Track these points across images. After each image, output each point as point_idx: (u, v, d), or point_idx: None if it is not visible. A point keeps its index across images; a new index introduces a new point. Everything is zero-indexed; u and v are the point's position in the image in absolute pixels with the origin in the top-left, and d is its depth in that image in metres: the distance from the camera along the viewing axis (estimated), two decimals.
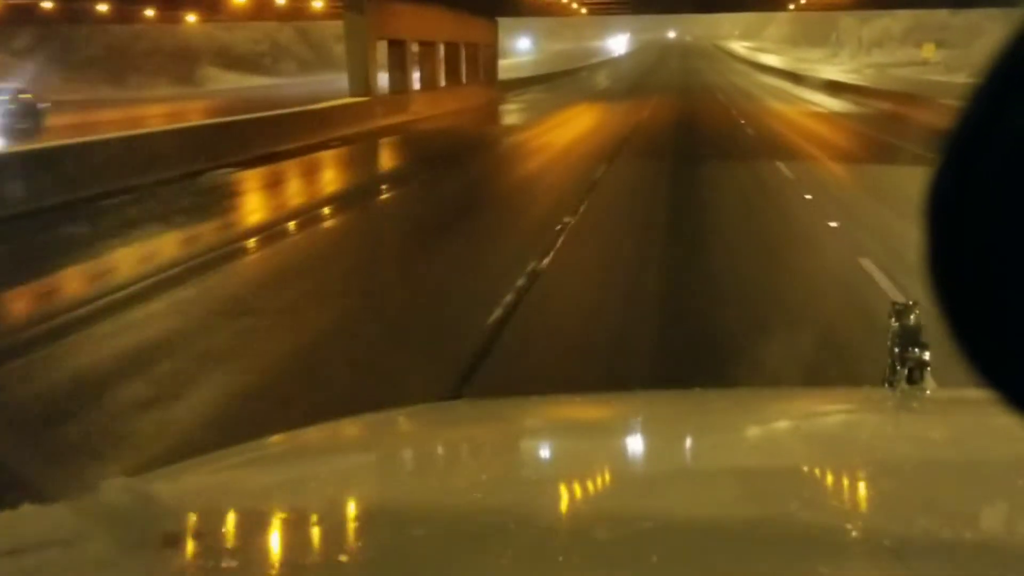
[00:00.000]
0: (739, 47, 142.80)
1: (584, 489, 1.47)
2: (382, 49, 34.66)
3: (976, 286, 0.53)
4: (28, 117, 28.45)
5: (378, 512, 1.36)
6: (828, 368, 6.64)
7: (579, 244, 11.97)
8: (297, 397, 6.46)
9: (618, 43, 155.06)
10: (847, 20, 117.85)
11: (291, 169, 21.22)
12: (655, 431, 1.97)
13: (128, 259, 11.74)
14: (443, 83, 42.25)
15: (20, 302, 9.93)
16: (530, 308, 8.77)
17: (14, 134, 25.99)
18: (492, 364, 7.16)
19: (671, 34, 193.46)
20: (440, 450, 1.85)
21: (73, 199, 15.16)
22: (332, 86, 38.81)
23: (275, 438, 1.89)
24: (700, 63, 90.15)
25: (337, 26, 41.79)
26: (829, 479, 1.50)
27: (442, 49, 41.69)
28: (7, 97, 28.70)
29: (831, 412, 2.09)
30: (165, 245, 12.62)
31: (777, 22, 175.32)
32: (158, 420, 6.21)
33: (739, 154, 21.63)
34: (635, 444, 1.93)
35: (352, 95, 31.46)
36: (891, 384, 2.02)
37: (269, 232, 13.35)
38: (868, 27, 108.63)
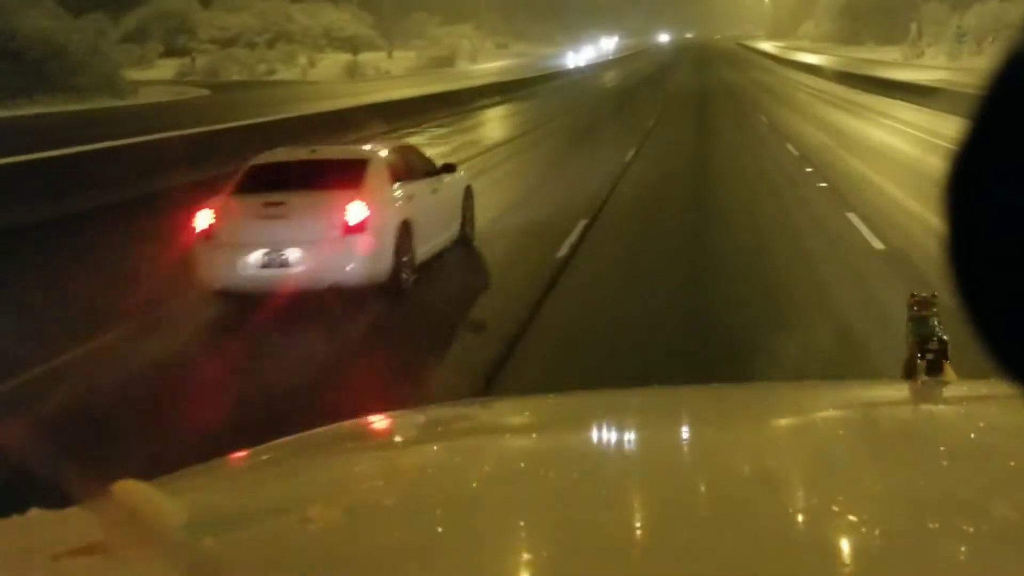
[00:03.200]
0: (770, 48, 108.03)
1: (598, 486, 1.42)
2: None
3: (996, 278, 0.52)
4: None
5: (387, 514, 1.36)
6: None
7: None
8: None
9: (603, 46, 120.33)
10: (931, 6, 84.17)
11: None
12: (670, 428, 1.90)
13: None
14: None
15: None
16: None
17: None
18: None
19: (664, 37, 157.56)
20: (451, 450, 1.78)
21: None
22: None
23: (286, 440, 1.88)
24: (729, 73, 56.12)
25: None
26: (849, 472, 1.45)
27: None
28: None
29: (851, 405, 2.01)
30: None
31: (816, 17, 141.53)
32: None
33: None
34: (650, 441, 1.83)
35: None
36: (911, 376, 2.06)
37: None
38: (968, 14, 74.88)
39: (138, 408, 5.88)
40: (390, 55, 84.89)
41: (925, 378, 2.02)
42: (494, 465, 1.63)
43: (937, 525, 1.22)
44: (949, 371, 2.01)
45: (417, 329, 7.62)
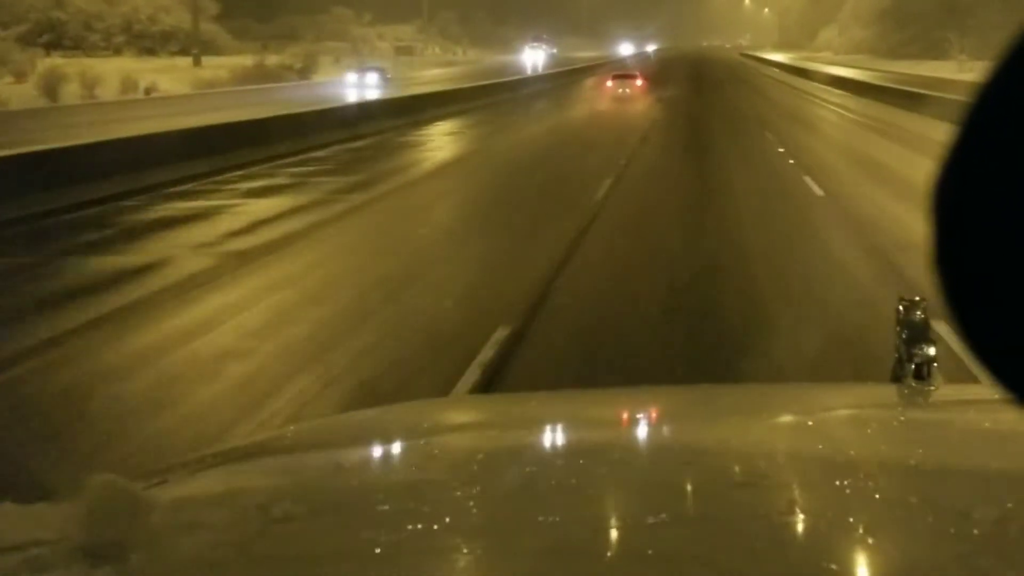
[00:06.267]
0: (786, 60, 77.55)
1: (587, 485, 1.44)
2: None
3: (983, 283, 0.52)
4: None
5: (375, 508, 1.36)
6: None
7: None
8: None
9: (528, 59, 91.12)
10: None
11: None
12: (659, 427, 1.94)
13: None
14: None
15: None
16: None
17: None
18: None
19: (625, 49, 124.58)
20: (441, 446, 1.78)
21: None
22: None
23: (264, 437, 1.85)
24: (765, 117, 25.73)
25: None
26: (836, 476, 1.46)
27: None
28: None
29: (838, 408, 2.03)
30: None
31: (841, 23, 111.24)
32: None
33: None
34: (639, 440, 1.86)
35: None
36: (899, 380, 2.03)
37: None
38: None
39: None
40: (197, 62, 53.80)
41: (913, 382, 1.99)
42: (477, 464, 1.60)
43: (922, 529, 1.23)
44: (937, 375, 1.99)
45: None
